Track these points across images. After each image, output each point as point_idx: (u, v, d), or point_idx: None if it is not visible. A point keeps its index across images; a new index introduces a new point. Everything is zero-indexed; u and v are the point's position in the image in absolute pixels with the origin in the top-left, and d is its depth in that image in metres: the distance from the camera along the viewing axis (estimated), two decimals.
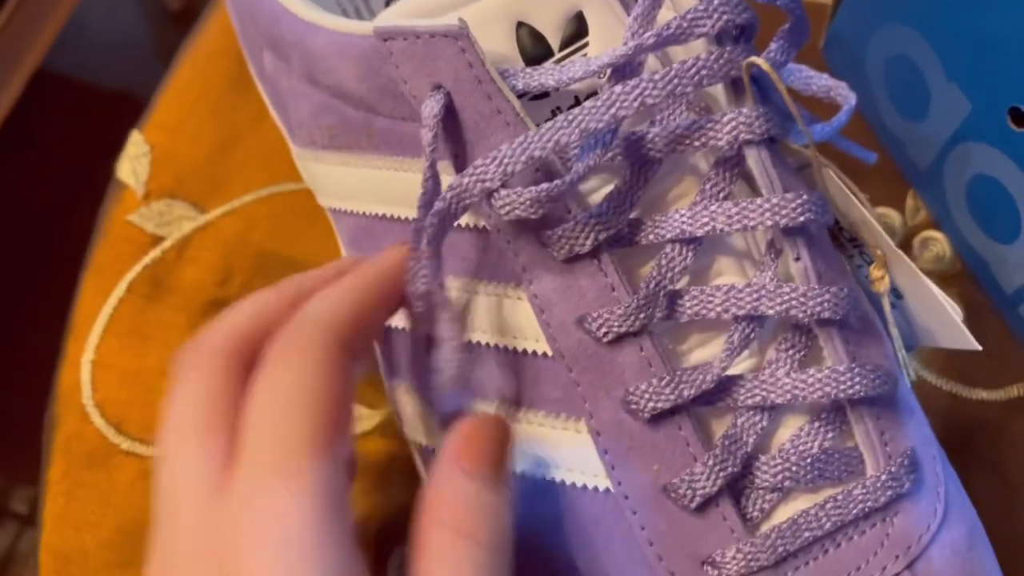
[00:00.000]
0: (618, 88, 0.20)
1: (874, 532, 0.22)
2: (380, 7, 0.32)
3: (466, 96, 0.22)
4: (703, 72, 0.20)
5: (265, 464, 0.18)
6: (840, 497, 0.22)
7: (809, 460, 0.22)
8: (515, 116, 0.21)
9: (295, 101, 0.27)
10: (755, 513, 0.22)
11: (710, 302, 0.22)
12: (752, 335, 0.22)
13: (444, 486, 0.20)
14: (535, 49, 0.23)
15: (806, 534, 0.21)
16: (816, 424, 0.22)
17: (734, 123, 0.21)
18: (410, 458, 0.29)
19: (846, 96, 0.24)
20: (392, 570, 0.28)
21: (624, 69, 0.21)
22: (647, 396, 0.21)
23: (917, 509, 0.22)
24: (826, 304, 0.21)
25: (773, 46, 0.23)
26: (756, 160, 0.22)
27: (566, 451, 0.23)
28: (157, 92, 0.36)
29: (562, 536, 0.23)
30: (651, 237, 0.22)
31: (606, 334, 0.22)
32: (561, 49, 0.23)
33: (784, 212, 0.21)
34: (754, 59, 0.20)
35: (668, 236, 0.22)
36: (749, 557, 0.21)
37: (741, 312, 0.21)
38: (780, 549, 0.21)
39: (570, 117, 0.20)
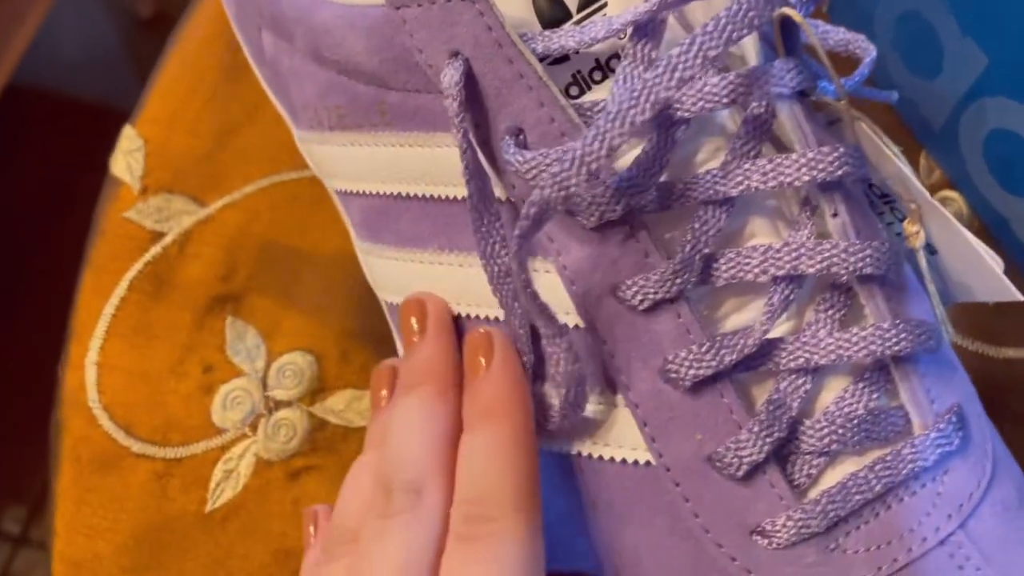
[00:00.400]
0: (699, 32, 0.19)
1: (925, 492, 0.21)
2: None
3: (486, 62, 0.21)
4: (751, 16, 0.19)
5: (491, 512, 0.20)
6: (889, 458, 0.21)
7: (856, 421, 0.21)
8: (538, 80, 0.21)
9: (299, 82, 0.26)
10: (802, 479, 0.21)
11: (747, 264, 0.21)
12: (792, 296, 0.21)
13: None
14: (552, 12, 0.22)
15: (856, 497, 0.21)
16: (860, 384, 0.21)
17: (766, 76, 0.20)
18: None
19: (866, 48, 0.24)
20: None
21: (647, 27, 0.21)
22: (687, 364, 0.21)
23: (966, 466, 0.21)
24: (868, 259, 0.21)
25: (793, 0, 0.22)
26: (789, 115, 0.21)
27: (602, 425, 0.22)
28: (147, 85, 0.35)
29: (602, 513, 0.22)
30: (682, 200, 0.21)
31: (642, 302, 0.21)
32: (579, 11, 0.22)
33: (821, 166, 0.20)
34: (786, 10, 0.20)
35: (700, 198, 0.21)
36: (800, 524, 0.20)
37: (780, 272, 0.21)
38: (831, 514, 0.21)
39: (660, 72, 0.19)
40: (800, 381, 0.21)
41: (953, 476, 0.21)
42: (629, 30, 0.21)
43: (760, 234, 0.22)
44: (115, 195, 0.33)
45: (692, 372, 0.21)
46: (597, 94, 0.22)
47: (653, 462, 0.22)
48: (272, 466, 0.29)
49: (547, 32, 0.21)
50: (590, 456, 0.22)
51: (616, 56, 0.22)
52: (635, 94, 0.19)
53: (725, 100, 0.21)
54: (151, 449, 0.29)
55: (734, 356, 0.21)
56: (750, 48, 0.21)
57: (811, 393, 0.21)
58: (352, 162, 0.26)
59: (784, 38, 0.21)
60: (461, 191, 0.23)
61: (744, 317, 0.22)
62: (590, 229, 0.21)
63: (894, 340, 0.21)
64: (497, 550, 0.20)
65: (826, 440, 0.21)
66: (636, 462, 0.22)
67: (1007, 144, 0.28)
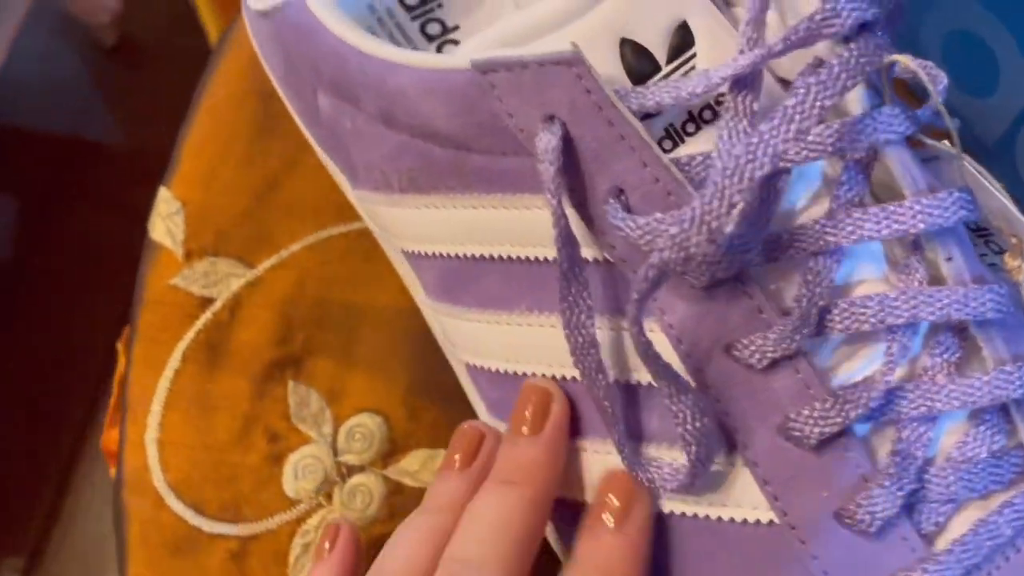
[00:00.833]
0: (812, 81, 0.19)
1: None
2: (415, 31, 0.30)
3: (584, 125, 0.20)
4: (863, 63, 0.19)
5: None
6: (1016, 501, 0.21)
7: (980, 466, 0.21)
8: (640, 140, 0.20)
9: (363, 144, 0.25)
10: (930, 528, 0.21)
11: (862, 314, 0.21)
12: (909, 344, 0.21)
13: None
14: (641, 65, 0.21)
15: (987, 543, 0.20)
16: (981, 427, 0.21)
17: (874, 124, 0.20)
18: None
19: (935, 75, 0.23)
20: None
21: (747, 79, 0.20)
22: (812, 422, 0.20)
23: None
24: (989, 304, 0.20)
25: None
26: (897, 160, 0.20)
27: (719, 485, 0.22)
28: (177, 145, 0.34)
29: (722, 575, 0.22)
30: (791, 252, 0.21)
31: (760, 360, 0.20)
32: (668, 63, 0.22)
33: (937, 212, 0.20)
34: (898, 56, 0.19)
35: (810, 249, 0.21)
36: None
37: (899, 322, 0.20)
38: (966, 562, 0.20)
39: (775, 125, 0.19)
40: (922, 429, 0.21)
41: None
42: (727, 82, 0.20)
43: (869, 280, 0.21)
44: (156, 261, 0.32)
45: (817, 430, 0.20)
46: (692, 147, 0.22)
47: (777, 521, 0.21)
48: None
49: (641, 89, 0.21)
50: (707, 517, 0.22)
51: (708, 107, 0.22)
52: (751, 148, 0.19)
53: (830, 149, 0.20)
54: (224, 528, 0.28)
55: (859, 410, 0.20)
56: (851, 94, 0.21)
57: (933, 440, 0.21)
58: (426, 224, 0.25)
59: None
60: (549, 252, 0.23)
61: (854, 366, 0.21)
62: (698, 287, 0.21)
63: (1018, 383, 0.20)
64: None
65: (953, 487, 0.21)
66: (758, 522, 0.21)
67: None
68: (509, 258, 0.23)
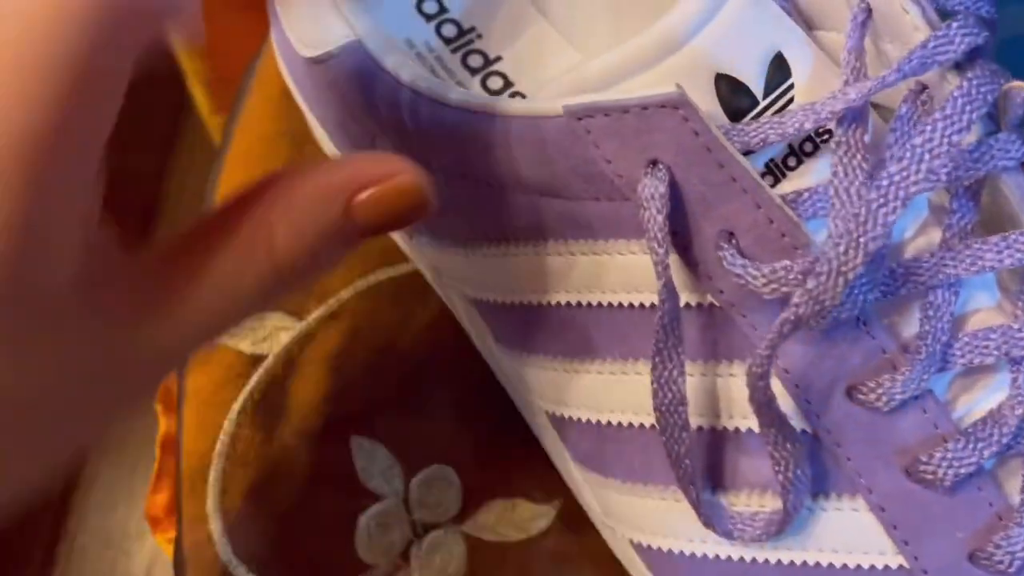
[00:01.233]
0: (939, 116, 0.18)
1: None
2: (456, 64, 0.29)
3: (691, 168, 0.19)
4: (984, 92, 0.18)
5: None
6: None
7: None
8: (752, 182, 0.19)
9: None
10: None
11: (985, 347, 0.20)
12: None
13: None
14: (738, 101, 0.21)
15: None
16: None
17: (991, 151, 0.19)
18: (595, 554, 0.27)
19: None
20: None
21: (857, 111, 0.19)
22: (946, 463, 0.19)
23: None
24: None
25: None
26: (1015, 186, 0.20)
27: (841, 531, 0.21)
28: (208, 193, 0.32)
29: None
30: (909, 286, 0.20)
31: (888, 402, 0.20)
32: (765, 96, 0.21)
33: None
34: (1018, 83, 0.19)
35: (929, 283, 0.20)
36: None
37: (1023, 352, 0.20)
38: None
39: (905, 165, 0.18)
40: None
41: None
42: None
43: (983, 310, 0.21)
44: None
45: (952, 471, 0.19)
46: (795, 182, 0.21)
47: (907, 566, 0.20)
48: None
49: (742, 126, 0.20)
50: (831, 566, 0.21)
51: (808, 140, 0.21)
52: (883, 192, 0.18)
53: (945, 179, 0.20)
54: None
55: (992, 448, 0.19)
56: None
57: None
58: (499, 273, 0.24)
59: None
60: (643, 298, 0.22)
61: (973, 398, 0.21)
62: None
63: None
64: None
65: None
66: (887, 567, 0.20)
67: None
68: (598, 305, 0.22)
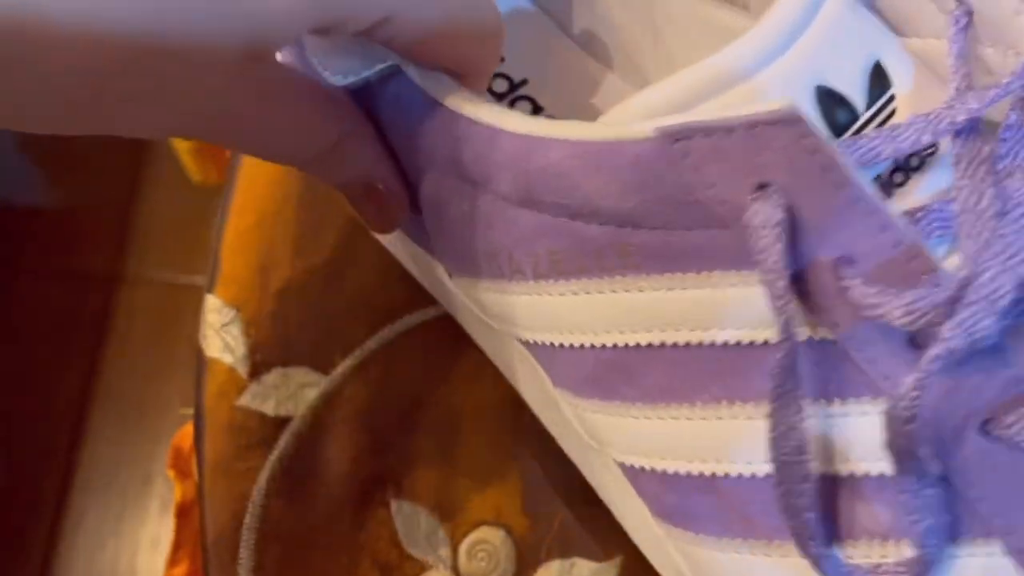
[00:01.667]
0: None
1: None
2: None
3: (805, 190, 0.18)
4: None
5: None
6: None
7: None
8: (874, 203, 0.17)
9: (482, 228, 0.22)
10: None
11: None
12: None
13: None
14: (838, 114, 0.19)
15: None
16: None
17: None
18: None
19: None
20: None
21: (975, 122, 0.18)
22: None
23: None
24: None
25: None
26: None
27: None
28: (213, 242, 0.30)
29: None
30: None
31: None
32: (867, 109, 0.19)
33: None
34: None
35: None
36: None
37: None
38: None
39: None
40: None
41: None
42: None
43: None
44: (216, 380, 0.27)
45: None
46: (906, 200, 0.19)
47: None
48: None
49: (853, 141, 0.18)
50: None
51: (913, 153, 0.19)
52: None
53: None
54: None
55: None
56: None
57: None
58: (569, 313, 0.22)
59: None
60: (737, 335, 0.20)
61: None
62: None
63: None
64: None
65: None
66: None
67: None
68: (687, 344, 0.20)
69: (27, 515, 0.80)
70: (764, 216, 0.17)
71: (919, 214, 0.18)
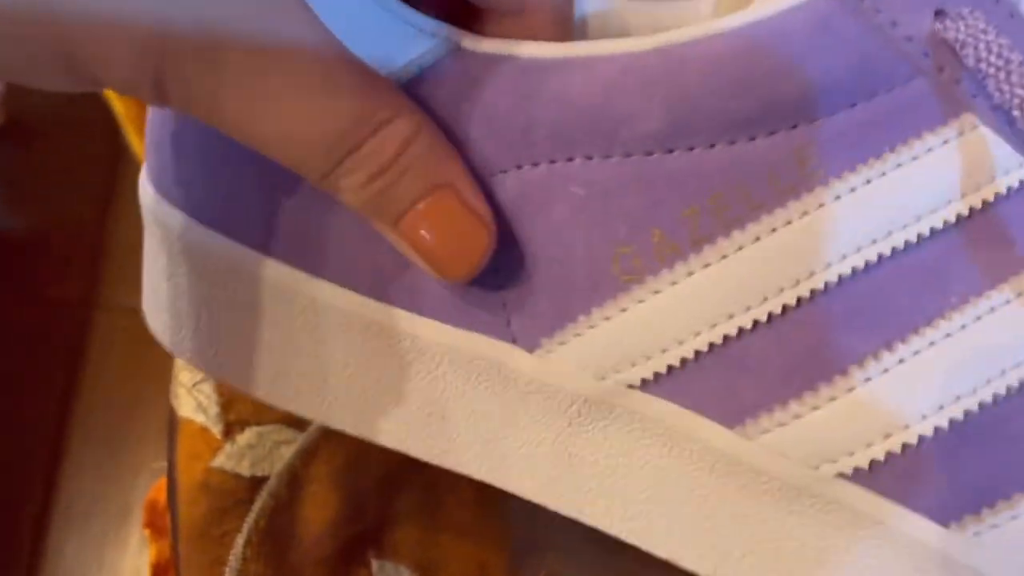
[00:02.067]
0: None
1: None
2: None
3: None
4: None
5: None
6: None
7: None
8: None
9: (606, 211, 0.18)
10: None
11: None
12: None
13: None
14: None
15: None
16: None
17: None
18: None
19: None
20: None
21: None
22: None
23: None
24: None
25: None
26: None
27: None
28: None
29: None
30: None
31: None
32: None
33: None
34: None
35: None
36: None
37: None
38: None
39: None
40: None
41: None
42: None
43: None
44: (189, 441, 0.27)
45: None
46: None
47: None
48: None
49: None
50: None
51: None
52: None
53: None
54: None
55: None
56: None
57: None
58: (739, 285, 0.18)
59: None
60: (954, 209, 0.18)
61: None
62: None
63: None
64: None
65: None
66: None
67: None
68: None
69: (4, 547, 0.78)
70: (968, 22, 0.17)
71: None
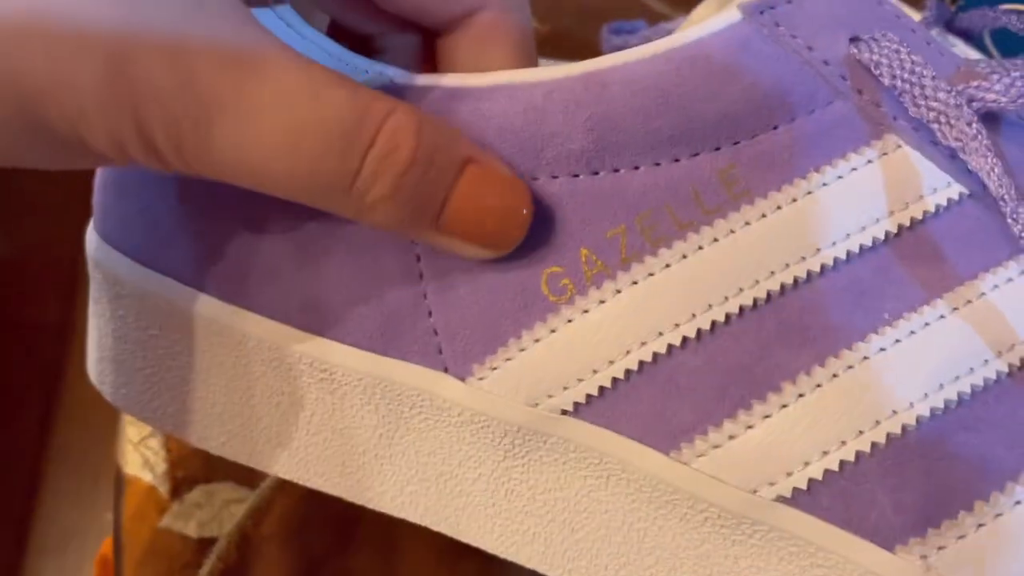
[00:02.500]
0: None
1: None
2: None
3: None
4: None
5: None
6: None
7: None
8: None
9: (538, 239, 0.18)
10: None
11: None
12: None
13: None
14: None
15: None
16: None
17: None
18: None
19: None
20: None
21: None
22: None
23: None
24: None
25: None
26: None
27: None
28: None
29: None
30: None
31: None
32: None
33: None
34: None
35: None
36: None
37: None
38: None
39: None
40: None
41: None
42: None
43: None
44: (135, 500, 0.26)
45: None
46: None
47: None
48: None
49: None
50: None
51: None
52: None
53: None
54: None
55: None
56: None
57: None
58: (683, 290, 0.18)
59: None
60: (883, 227, 0.18)
61: None
62: None
63: None
64: None
65: None
66: None
67: None
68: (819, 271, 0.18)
69: None
70: (886, 45, 0.17)
71: None
